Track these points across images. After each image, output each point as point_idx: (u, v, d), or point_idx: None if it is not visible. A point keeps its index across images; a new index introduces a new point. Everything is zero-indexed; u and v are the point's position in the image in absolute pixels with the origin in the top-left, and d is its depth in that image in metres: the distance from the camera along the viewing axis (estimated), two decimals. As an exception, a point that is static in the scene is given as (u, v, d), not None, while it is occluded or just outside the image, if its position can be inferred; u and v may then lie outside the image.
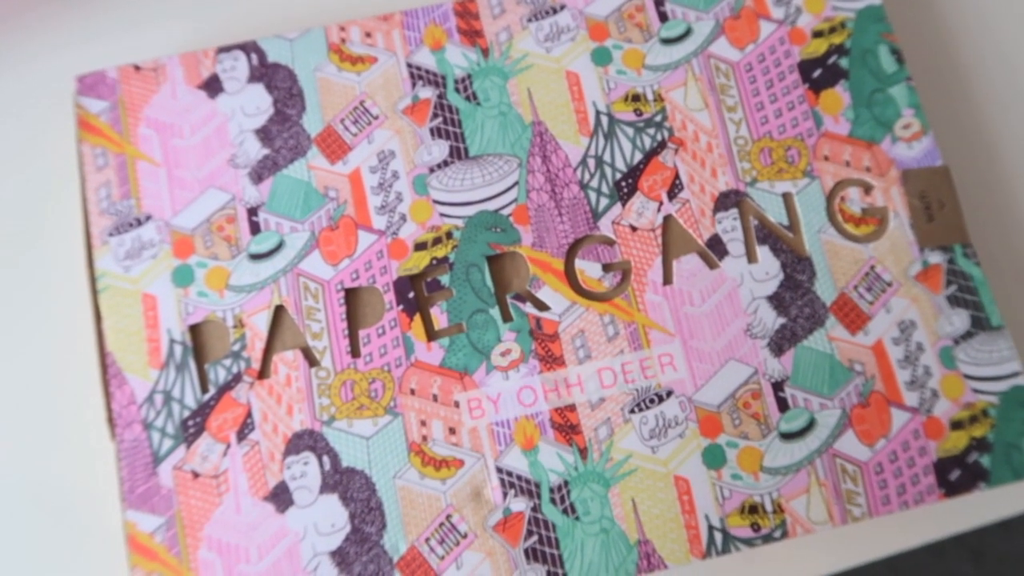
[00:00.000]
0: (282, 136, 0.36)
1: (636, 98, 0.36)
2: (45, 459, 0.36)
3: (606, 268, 0.35)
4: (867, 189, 0.35)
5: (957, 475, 0.33)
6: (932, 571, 1.03)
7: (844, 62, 0.37)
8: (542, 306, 0.34)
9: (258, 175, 0.35)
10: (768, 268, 0.35)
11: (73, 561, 0.35)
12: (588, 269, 0.35)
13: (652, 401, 0.33)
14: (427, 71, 0.37)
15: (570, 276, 0.34)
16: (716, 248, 0.35)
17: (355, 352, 0.34)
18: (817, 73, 0.37)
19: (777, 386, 0.33)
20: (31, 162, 0.40)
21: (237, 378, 0.33)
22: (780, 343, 0.34)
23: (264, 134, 0.36)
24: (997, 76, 0.41)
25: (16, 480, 0.36)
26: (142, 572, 0.31)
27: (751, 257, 0.35)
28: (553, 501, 0.32)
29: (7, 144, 0.40)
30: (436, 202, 0.35)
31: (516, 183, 0.35)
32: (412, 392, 0.33)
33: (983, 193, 0.40)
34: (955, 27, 0.42)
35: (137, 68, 0.37)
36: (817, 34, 0.37)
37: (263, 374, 0.33)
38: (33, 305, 0.38)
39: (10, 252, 0.39)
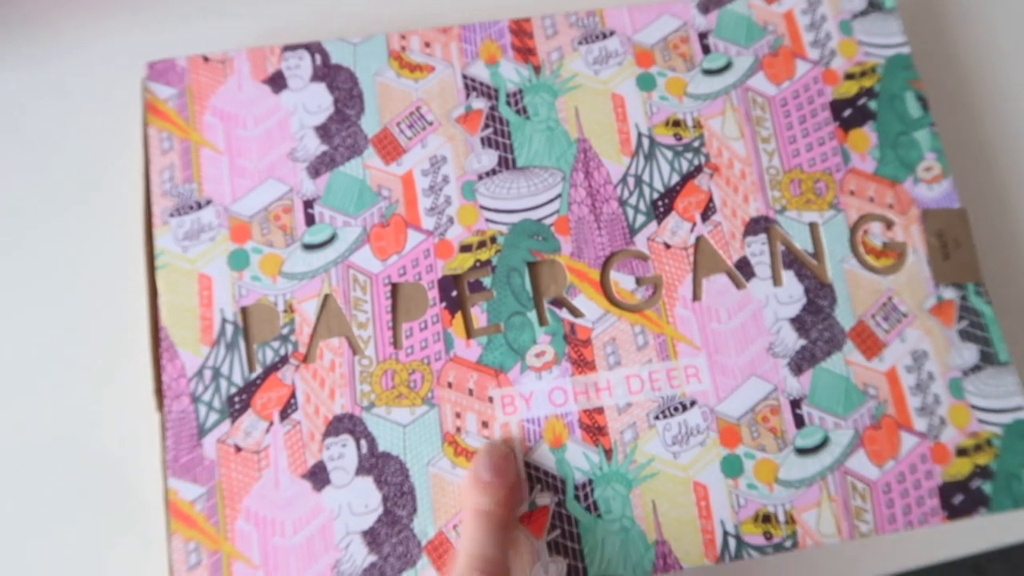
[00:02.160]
0: (340, 135, 0.38)
1: (676, 123, 0.38)
2: (91, 425, 0.38)
3: (639, 281, 0.36)
4: (889, 224, 0.38)
5: (960, 499, 0.34)
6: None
7: (873, 104, 0.39)
8: (577, 313, 0.36)
9: (316, 170, 0.37)
10: (792, 292, 0.36)
11: (114, 525, 0.36)
12: (622, 281, 0.36)
13: (676, 409, 0.35)
14: (481, 83, 0.39)
15: (605, 286, 0.36)
16: (744, 270, 0.37)
17: (397, 343, 0.35)
18: (847, 113, 0.39)
19: (795, 403, 0.35)
20: (95, 139, 0.41)
21: (284, 360, 0.35)
22: (800, 363, 0.36)
23: (324, 131, 0.38)
24: (1015, 127, 0.44)
25: (62, 445, 0.37)
26: (180, 538, 0.33)
27: (776, 280, 0.37)
28: (577, 498, 0.34)
29: (74, 121, 0.41)
30: (483, 208, 0.37)
31: (559, 195, 0.37)
32: (449, 385, 0.35)
33: (997, 236, 0.42)
34: (978, 79, 0.44)
35: (206, 59, 0.38)
36: (849, 76, 0.39)
37: (308, 358, 0.35)
38: (90, 280, 0.39)
39: (69, 225, 0.40)
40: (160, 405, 0.34)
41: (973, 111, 0.44)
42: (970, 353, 0.36)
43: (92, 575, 0.36)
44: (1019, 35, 0.45)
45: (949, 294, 0.37)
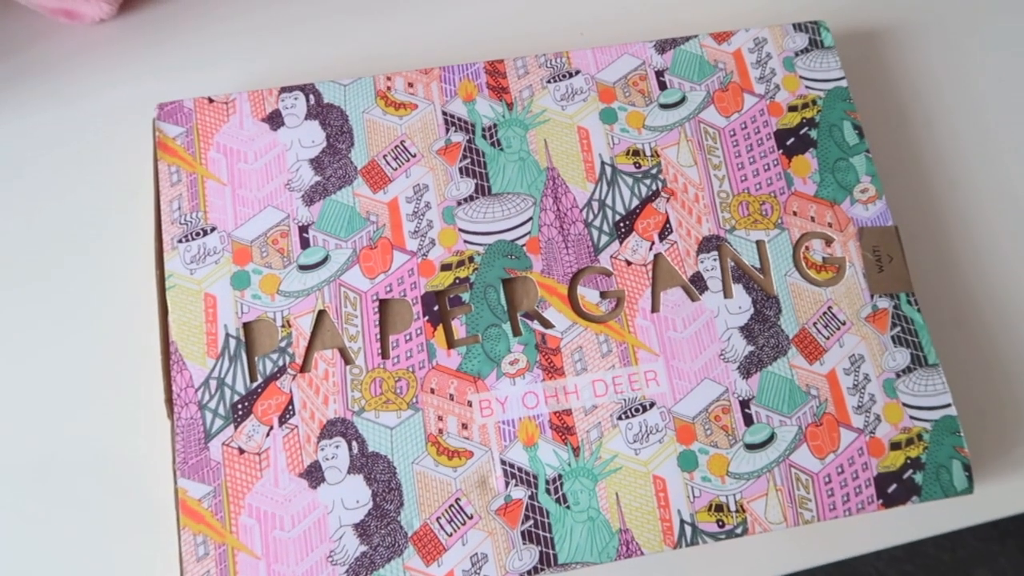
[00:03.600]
0: (332, 166, 0.42)
1: (636, 153, 0.42)
2: (108, 433, 0.41)
3: (603, 295, 0.40)
4: (828, 241, 0.42)
5: (894, 488, 0.38)
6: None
7: (813, 133, 0.43)
8: (547, 324, 0.40)
9: (310, 198, 0.41)
10: (741, 303, 0.40)
11: (130, 521, 0.40)
12: (588, 295, 0.40)
13: (637, 410, 0.38)
14: (459, 119, 0.43)
15: (572, 300, 0.40)
16: (698, 284, 0.41)
17: (385, 354, 0.39)
18: (790, 141, 0.43)
19: (744, 404, 0.39)
20: (109, 175, 0.45)
21: (282, 370, 0.39)
22: (748, 367, 0.39)
23: (317, 164, 0.42)
24: (944, 149, 0.48)
25: (83, 453, 0.41)
26: (190, 532, 0.36)
27: (727, 293, 0.41)
28: (548, 491, 0.37)
29: (93, 157, 0.45)
30: (461, 230, 0.41)
31: (530, 218, 0.41)
32: (432, 391, 0.39)
33: (927, 250, 0.46)
34: (909, 107, 0.49)
35: (211, 100, 0.43)
36: (792, 108, 0.44)
37: (304, 368, 0.39)
38: (106, 299, 0.43)
39: (87, 252, 0.44)
40: (171, 413, 0.38)
41: (905, 135, 0.48)
42: (902, 356, 0.40)
43: (110, 567, 0.39)
44: (947, 62, 0.50)
45: (883, 303, 0.41)
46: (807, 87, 0.44)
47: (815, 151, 0.43)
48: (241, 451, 0.37)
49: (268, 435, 0.38)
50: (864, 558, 1.11)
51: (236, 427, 0.38)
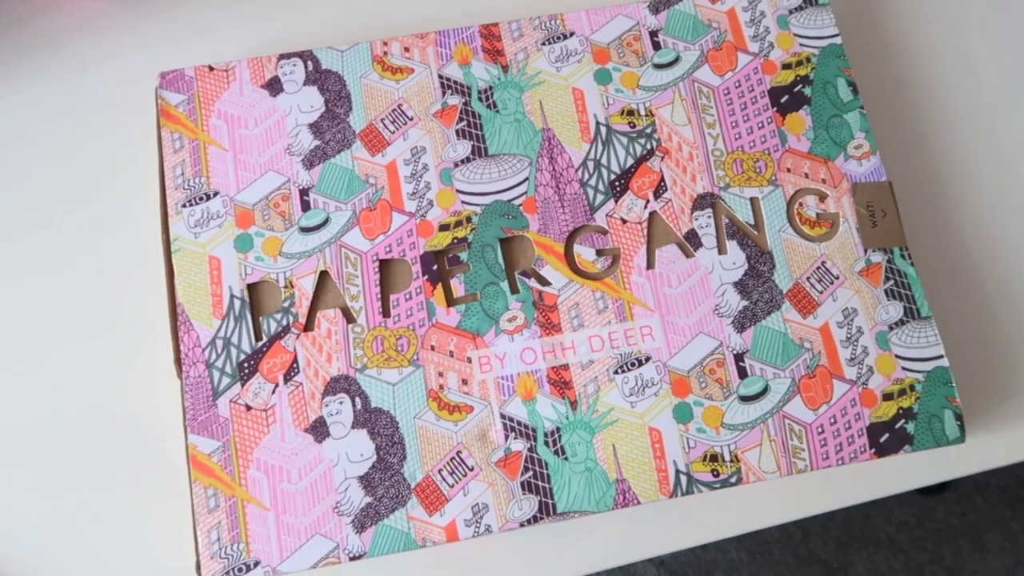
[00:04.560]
0: (331, 131, 0.42)
1: (630, 113, 0.43)
2: (120, 393, 0.42)
3: (599, 253, 0.41)
4: (822, 198, 0.42)
5: (886, 438, 0.39)
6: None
7: (808, 91, 0.43)
8: (544, 282, 0.40)
9: (310, 162, 0.42)
10: (735, 259, 0.41)
11: (143, 475, 0.41)
12: (584, 253, 0.41)
13: (633, 364, 0.39)
14: (455, 82, 0.43)
15: (569, 258, 0.41)
16: (692, 240, 0.41)
17: (386, 312, 0.40)
18: (784, 99, 0.43)
19: (738, 357, 0.40)
20: (113, 143, 0.46)
21: (286, 330, 0.40)
22: (742, 322, 0.40)
23: (316, 128, 0.42)
24: (938, 107, 0.48)
25: (97, 412, 0.42)
26: (201, 485, 0.38)
27: (721, 249, 0.41)
28: (546, 444, 0.38)
29: (97, 125, 0.46)
30: (459, 191, 0.41)
31: (527, 179, 0.42)
32: (432, 348, 0.39)
33: (920, 205, 0.46)
34: (903, 64, 0.49)
35: (211, 68, 0.43)
36: (786, 66, 0.44)
37: (308, 327, 0.40)
38: (115, 264, 0.44)
39: (94, 218, 0.45)
40: (179, 372, 0.39)
41: (899, 92, 0.48)
42: (895, 309, 0.40)
43: (126, 521, 0.41)
44: (941, 20, 0.50)
45: (877, 258, 0.41)
46: (801, 45, 0.44)
47: (809, 108, 0.43)
48: (248, 408, 0.39)
49: (274, 392, 0.39)
50: (875, 523, 1.12)
51: (243, 385, 0.39)
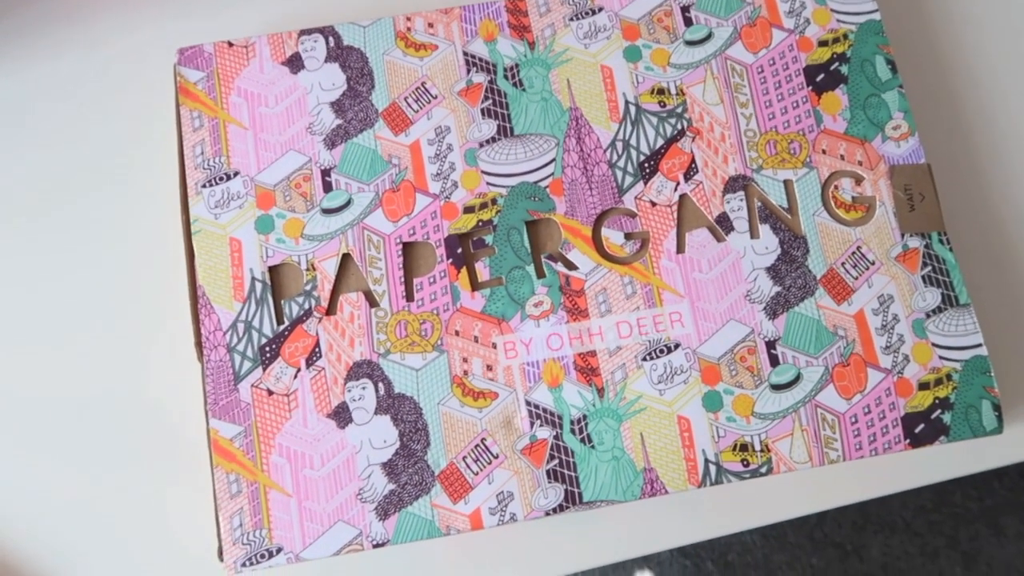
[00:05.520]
0: (353, 109, 0.41)
1: (661, 91, 0.42)
2: (142, 377, 0.42)
3: (628, 236, 0.40)
4: (858, 180, 0.41)
5: (921, 428, 0.38)
6: (924, 572, 1.09)
7: (844, 69, 0.42)
8: (571, 266, 0.40)
9: (331, 142, 0.41)
10: (768, 244, 0.40)
11: (165, 460, 0.41)
12: (612, 236, 0.40)
13: (662, 351, 0.38)
14: (480, 59, 0.42)
15: (596, 242, 0.40)
16: (724, 224, 0.40)
17: (409, 296, 0.39)
18: (820, 77, 0.42)
19: (770, 344, 0.39)
20: (132, 120, 0.45)
21: (308, 313, 0.39)
22: (775, 308, 0.39)
23: (338, 107, 0.41)
24: (980, 86, 0.46)
25: (118, 396, 0.42)
26: (223, 471, 0.37)
27: (754, 233, 0.40)
28: (573, 431, 0.38)
29: (115, 103, 0.46)
30: (484, 172, 0.40)
31: (553, 159, 0.41)
32: (457, 333, 0.39)
33: (960, 188, 0.45)
34: (944, 41, 0.47)
35: (230, 44, 0.42)
36: (822, 43, 0.42)
37: (330, 311, 0.39)
38: (134, 246, 0.44)
39: (113, 199, 0.44)
40: (200, 356, 0.39)
41: (940, 71, 0.47)
42: (932, 296, 0.39)
43: (148, 505, 0.41)
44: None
45: (914, 243, 0.40)
46: (838, 21, 0.43)
47: (846, 87, 0.42)
48: (270, 392, 0.38)
49: (296, 377, 0.38)
50: (891, 507, 1.12)
51: (264, 369, 0.38)
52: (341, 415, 0.38)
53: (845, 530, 1.12)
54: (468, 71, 0.42)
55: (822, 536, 1.12)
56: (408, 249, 0.40)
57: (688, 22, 0.43)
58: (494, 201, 0.40)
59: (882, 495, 0.41)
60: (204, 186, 0.40)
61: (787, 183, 0.41)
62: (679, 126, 0.41)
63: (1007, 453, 0.42)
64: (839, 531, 1.12)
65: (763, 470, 0.37)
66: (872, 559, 1.11)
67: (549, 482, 0.37)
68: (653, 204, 0.40)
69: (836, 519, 1.11)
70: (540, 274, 0.39)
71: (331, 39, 0.42)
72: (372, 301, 0.39)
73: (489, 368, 0.38)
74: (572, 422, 0.38)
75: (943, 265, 0.39)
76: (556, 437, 0.38)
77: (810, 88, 0.42)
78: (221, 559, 0.36)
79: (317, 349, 0.38)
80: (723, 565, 1.10)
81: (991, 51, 0.47)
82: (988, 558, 1.11)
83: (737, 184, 0.41)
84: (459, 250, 0.40)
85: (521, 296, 0.39)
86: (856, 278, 0.39)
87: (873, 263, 0.40)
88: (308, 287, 0.39)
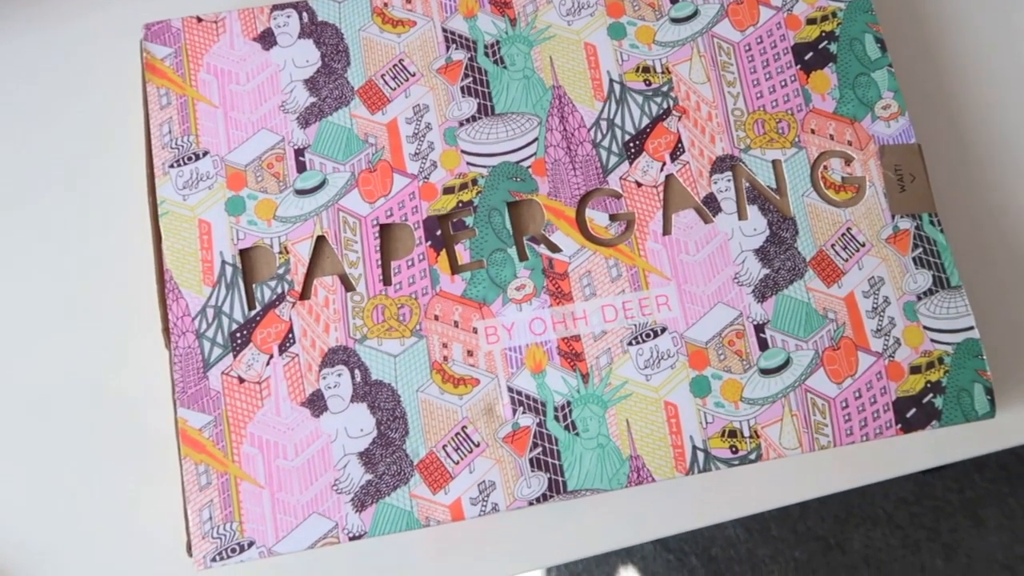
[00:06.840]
0: (328, 87, 0.40)
1: (646, 70, 0.40)
2: (109, 366, 0.40)
3: (613, 218, 0.39)
4: (847, 160, 0.40)
5: (913, 413, 0.37)
6: (905, 564, 1.09)
7: (833, 47, 0.41)
8: (555, 248, 0.38)
9: (305, 120, 0.39)
10: (756, 225, 0.39)
11: (132, 452, 0.39)
12: (597, 218, 0.39)
13: (648, 335, 0.37)
14: (460, 36, 0.41)
15: (580, 223, 0.39)
16: (711, 205, 0.39)
17: (387, 280, 0.38)
18: (809, 56, 0.41)
19: (759, 328, 0.38)
20: (97, 99, 0.43)
21: (281, 298, 0.37)
22: (763, 291, 0.38)
23: (312, 84, 0.40)
24: (970, 66, 0.46)
25: (85, 386, 0.40)
26: (191, 462, 0.36)
27: (742, 215, 0.39)
28: (556, 418, 0.36)
29: (80, 81, 0.44)
30: (464, 152, 0.39)
31: (536, 139, 0.39)
32: (436, 318, 0.37)
33: (951, 169, 0.44)
34: (934, 20, 0.46)
35: (199, 19, 0.41)
36: (811, 21, 0.41)
37: (304, 295, 0.37)
38: (97, 228, 0.42)
39: (75, 179, 0.42)
40: (168, 342, 0.37)
41: (929, 49, 0.46)
42: (924, 278, 0.38)
43: (116, 499, 0.39)
44: (977, -20, 0.47)
45: (905, 224, 0.39)
46: (827, -1, 0.42)
47: (835, 66, 0.41)
48: (241, 380, 0.36)
49: (268, 364, 0.37)
50: (872, 499, 1.12)
51: (235, 356, 0.37)
52: (316, 403, 0.36)
53: (828, 523, 1.12)
54: (447, 48, 0.40)
55: (805, 529, 1.12)
56: (385, 231, 0.38)
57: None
58: (475, 182, 0.39)
59: (876, 480, 0.40)
60: (172, 166, 0.39)
61: (775, 163, 0.40)
62: (665, 105, 0.40)
63: (1001, 438, 0.41)
64: (822, 524, 1.12)
65: (752, 457, 0.36)
66: (854, 551, 1.11)
67: (532, 471, 0.36)
68: (639, 185, 0.39)
69: (819, 512, 1.11)
70: (522, 257, 0.38)
71: (305, 14, 0.41)
72: (348, 285, 0.38)
73: (470, 354, 0.37)
74: (556, 409, 0.36)
75: (934, 247, 0.39)
76: (539, 424, 0.36)
77: (798, 67, 0.41)
78: (190, 554, 0.35)
79: (291, 335, 0.37)
80: (707, 559, 1.09)
81: (981, 29, 0.46)
82: (968, 550, 1.11)
83: (724, 164, 0.39)
84: (438, 232, 0.38)
85: (503, 279, 0.38)
86: (846, 260, 0.38)
87: (863, 245, 0.39)
88: (281, 271, 0.38)
